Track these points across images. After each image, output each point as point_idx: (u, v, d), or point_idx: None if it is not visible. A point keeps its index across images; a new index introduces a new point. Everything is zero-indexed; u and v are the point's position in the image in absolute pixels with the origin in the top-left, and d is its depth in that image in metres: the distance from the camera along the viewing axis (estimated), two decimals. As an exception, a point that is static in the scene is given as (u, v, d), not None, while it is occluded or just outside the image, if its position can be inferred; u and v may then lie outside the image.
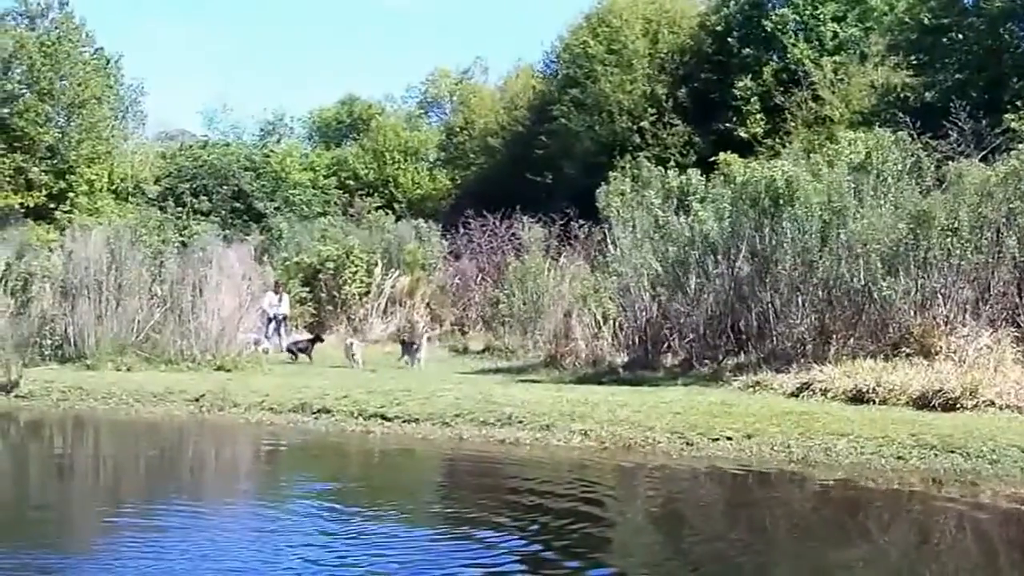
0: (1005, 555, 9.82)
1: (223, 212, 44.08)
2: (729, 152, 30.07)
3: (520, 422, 15.50)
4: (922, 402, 14.86)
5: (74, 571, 9.04)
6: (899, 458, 12.68)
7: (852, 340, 17.82)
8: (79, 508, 12.31)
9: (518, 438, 15.04)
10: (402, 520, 10.95)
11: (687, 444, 14.03)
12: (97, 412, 19.24)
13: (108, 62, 47.70)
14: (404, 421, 16.42)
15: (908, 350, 16.85)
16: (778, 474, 12.79)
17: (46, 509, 11.84)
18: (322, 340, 27.02)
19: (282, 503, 12.08)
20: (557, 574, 8.77)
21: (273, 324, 28.23)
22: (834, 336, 18.03)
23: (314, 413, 17.46)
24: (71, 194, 42.57)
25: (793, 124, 35.01)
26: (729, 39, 39.57)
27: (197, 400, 18.94)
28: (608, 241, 22.25)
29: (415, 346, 24.75)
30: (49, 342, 23.68)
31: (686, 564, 9.31)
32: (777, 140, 34.07)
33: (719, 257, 19.54)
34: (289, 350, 26.38)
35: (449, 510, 11.68)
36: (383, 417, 16.70)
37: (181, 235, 28.25)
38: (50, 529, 10.59)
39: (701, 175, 21.67)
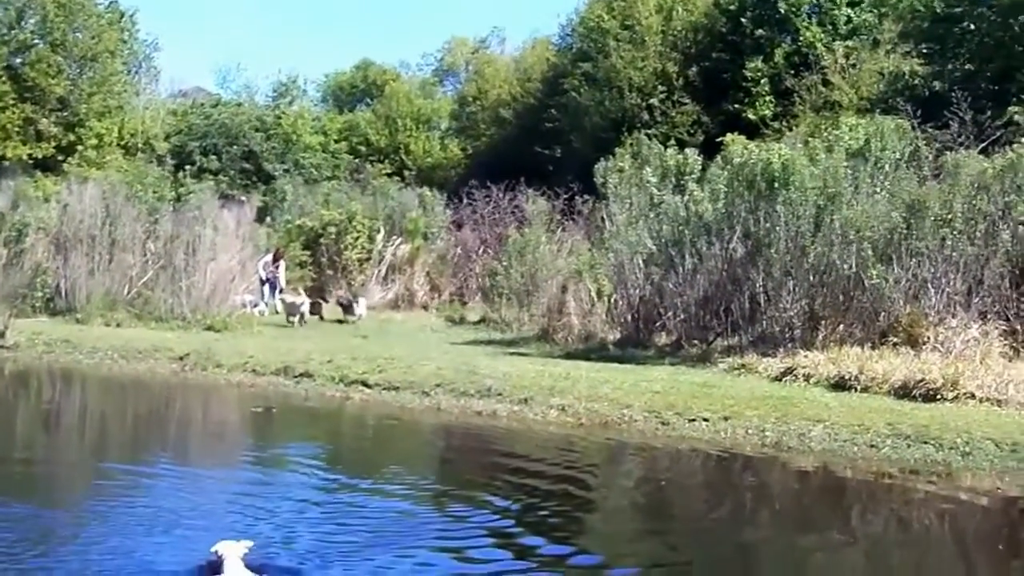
0: (960, 544, 9.81)
1: (232, 172, 44.03)
2: (736, 133, 29.76)
3: (499, 395, 15.47)
4: (903, 392, 14.74)
5: (40, 521, 9.08)
6: (872, 446, 12.59)
7: (841, 327, 17.70)
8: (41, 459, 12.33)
9: (495, 410, 15.00)
10: (364, 488, 10.94)
11: (663, 424, 13.98)
12: (80, 366, 19.30)
13: (123, 16, 47.37)
14: (384, 389, 16.42)
15: (896, 339, 16.71)
16: (747, 457, 12.71)
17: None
18: (327, 301, 28.14)
19: (249, 467, 12.10)
20: (515, 552, 8.77)
21: (267, 286, 28.13)
22: (823, 322, 17.92)
23: (296, 377, 17.47)
24: (80, 147, 42.43)
25: (802, 108, 34.71)
26: (742, 19, 39.17)
27: (181, 359, 18.98)
28: (605, 217, 22.12)
29: (353, 304, 26.56)
30: (40, 294, 23.76)
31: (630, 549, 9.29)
32: (785, 123, 33.85)
33: (713, 238, 19.39)
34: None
35: (403, 480, 11.61)
36: (364, 384, 16.70)
37: (179, 193, 28.11)
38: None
39: (707, 155, 21.46)
